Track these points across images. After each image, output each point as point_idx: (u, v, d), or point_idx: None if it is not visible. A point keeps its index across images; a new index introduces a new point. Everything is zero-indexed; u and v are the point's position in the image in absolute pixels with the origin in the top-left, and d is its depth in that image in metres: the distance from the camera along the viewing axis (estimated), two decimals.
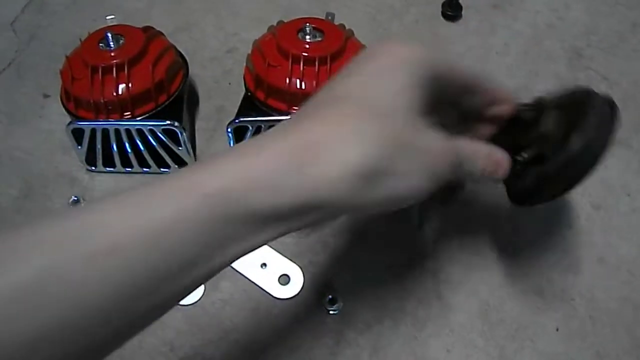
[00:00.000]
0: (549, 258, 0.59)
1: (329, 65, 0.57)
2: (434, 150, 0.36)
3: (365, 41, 0.63)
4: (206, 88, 0.67)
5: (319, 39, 0.59)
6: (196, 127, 0.66)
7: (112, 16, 0.64)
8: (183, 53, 0.67)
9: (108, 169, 0.63)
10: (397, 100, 0.35)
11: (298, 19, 0.61)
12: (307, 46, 0.58)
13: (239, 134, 0.59)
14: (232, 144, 0.59)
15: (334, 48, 0.58)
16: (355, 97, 0.35)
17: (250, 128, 0.58)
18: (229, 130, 0.58)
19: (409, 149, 0.34)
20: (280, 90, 0.57)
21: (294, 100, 0.58)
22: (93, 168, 0.63)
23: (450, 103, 0.43)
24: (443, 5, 0.79)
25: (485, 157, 0.41)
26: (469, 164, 0.39)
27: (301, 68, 0.57)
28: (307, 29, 0.59)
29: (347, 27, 0.63)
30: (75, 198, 0.62)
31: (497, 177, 0.42)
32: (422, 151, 0.35)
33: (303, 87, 0.57)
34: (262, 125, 0.57)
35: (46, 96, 0.70)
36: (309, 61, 0.57)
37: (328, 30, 0.60)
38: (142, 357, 0.54)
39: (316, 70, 0.57)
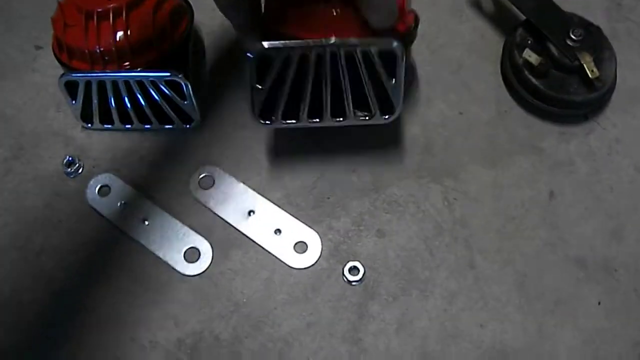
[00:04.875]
0: (590, 224, 0.54)
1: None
2: None
3: None
4: (212, 38, 0.61)
5: None
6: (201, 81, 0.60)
7: None
8: None
9: (106, 126, 0.58)
10: None
11: None
12: None
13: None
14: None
15: None
16: None
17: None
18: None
19: None
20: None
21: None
22: (89, 125, 0.58)
23: None
24: None
25: None
26: None
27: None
28: None
29: None
30: (70, 159, 0.57)
31: None
32: None
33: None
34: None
35: (38, 48, 0.65)
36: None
37: None
38: (143, 332, 0.50)
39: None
